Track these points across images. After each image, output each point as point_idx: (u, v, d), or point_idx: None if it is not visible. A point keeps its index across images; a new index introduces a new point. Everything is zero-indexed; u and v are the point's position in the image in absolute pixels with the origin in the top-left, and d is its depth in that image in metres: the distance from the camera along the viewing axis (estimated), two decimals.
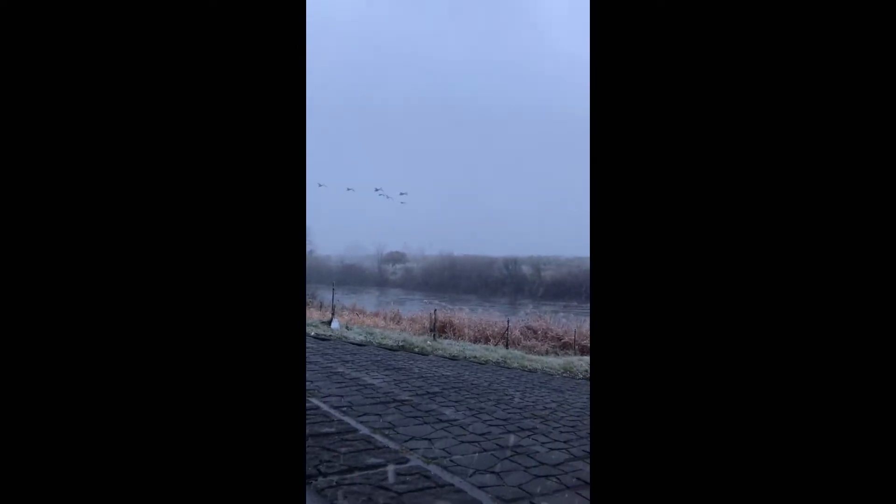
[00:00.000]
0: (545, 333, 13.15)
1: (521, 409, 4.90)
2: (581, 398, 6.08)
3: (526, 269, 58.13)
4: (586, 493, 2.72)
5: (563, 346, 12.29)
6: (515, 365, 9.02)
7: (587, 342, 12.34)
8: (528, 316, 15.17)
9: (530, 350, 11.77)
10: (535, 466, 3.09)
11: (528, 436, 3.82)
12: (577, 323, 13.96)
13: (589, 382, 8.46)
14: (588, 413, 5.13)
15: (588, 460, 3.33)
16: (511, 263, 59.74)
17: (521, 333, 13.21)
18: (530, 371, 8.62)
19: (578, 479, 2.92)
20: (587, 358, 10.58)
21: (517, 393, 5.88)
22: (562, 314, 15.83)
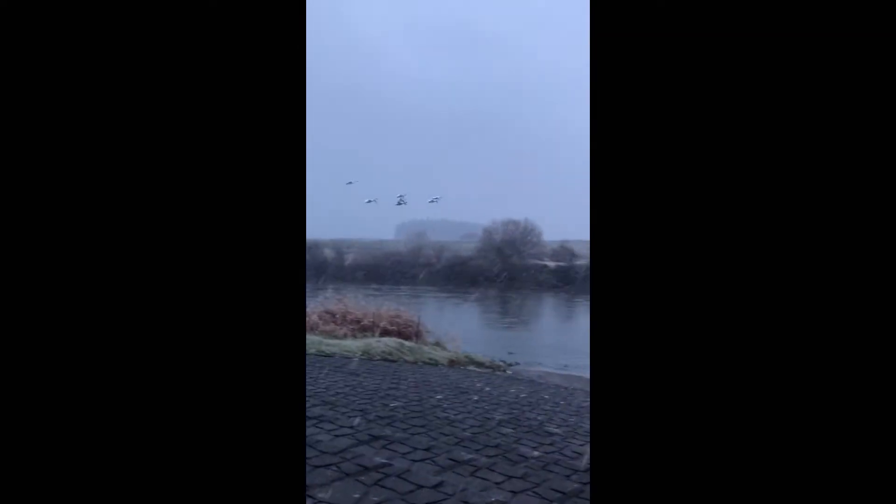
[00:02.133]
0: (344, 317, 12.99)
1: (310, 396, 4.74)
2: (374, 380, 6.11)
3: (328, 253, 57.40)
4: (365, 478, 2.69)
5: (363, 329, 12.28)
6: (312, 350, 8.78)
7: (385, 324, 12.52)
8: (328, 300, 14.90)
9: (329, 334, 11.56)
10: (316, 456, 2.97)
11: (314, 424, 3.69)
12: (376, 305, 14.07)
13: (385, 362, 8.59)
14: (378, 393, 5.17)
15: (372, 444, 3.32)
16: (312, 247, 58.47)
17: (320, 318, 12.87)
18: (327, 356, 8.47)
19: (359, 465, 2.88)
20: (385, 339, 10.73)
21: (309, 380, 5.69)
22: (361, 296, 15.84)
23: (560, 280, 42.33)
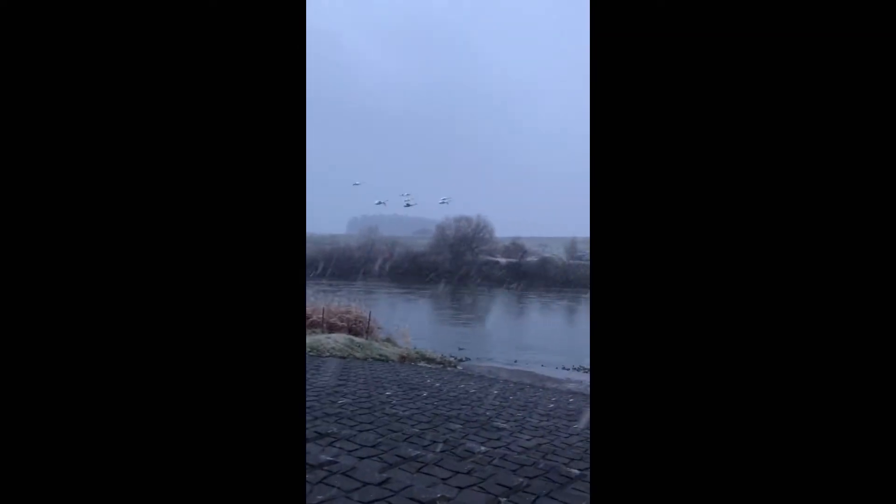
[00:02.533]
0: None
1: None
2: (323, 377, 6.03)
3: None
4: (310, 476, 2.64)
5: (312, 325, 12.13)
6: None
7: (335, 320, 12.39)
8: None
9: None
10: None
11: None
12: (326, 301, 13.91)
13: (334, 359, 8.49)
14: (326, 390, 5.10)
15: (318, 441, 3.26)
16: None
17: None
18: None
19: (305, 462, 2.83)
20: (335, 335, 10.62)
21: None
22: (311, 292, 15.61)
23: (511, 276, 42.86)
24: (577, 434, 4.38)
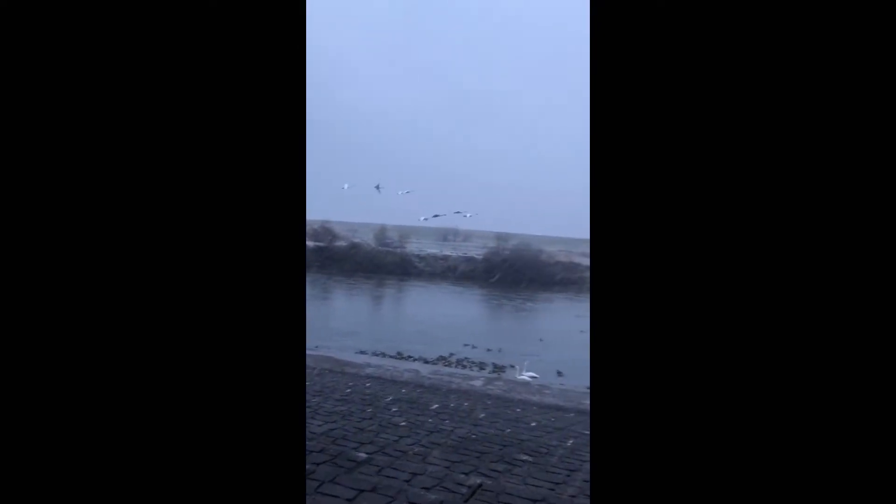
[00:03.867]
0: None
1: None
2: None
3: None
4: None
5: None
6: None
7: None
8: None
9: None
10: None
11: None
12: None
13: None
14: None
15: None
16: None
17: None
18: None
19: None
20: None
21: None
22: None
23: (319, 260, 42.22)
24: (370, 418, 4.47)
